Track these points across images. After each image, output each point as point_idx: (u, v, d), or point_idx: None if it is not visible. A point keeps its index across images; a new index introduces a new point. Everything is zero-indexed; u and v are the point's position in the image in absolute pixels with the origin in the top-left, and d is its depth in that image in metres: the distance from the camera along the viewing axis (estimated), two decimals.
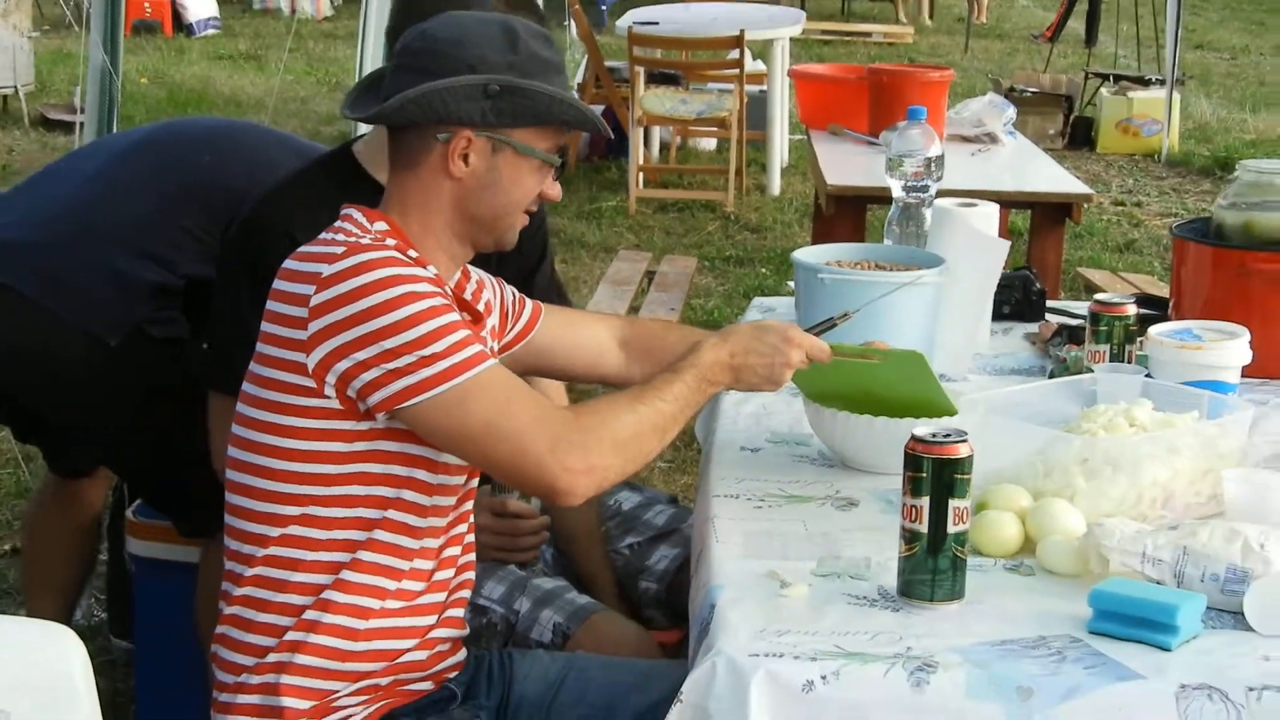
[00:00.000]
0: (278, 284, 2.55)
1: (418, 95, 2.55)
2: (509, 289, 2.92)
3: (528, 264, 3.35)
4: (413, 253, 2.55)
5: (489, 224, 2.64)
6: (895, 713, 2.18)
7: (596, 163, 11.11)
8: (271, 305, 2.54)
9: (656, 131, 11.27)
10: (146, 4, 17.29)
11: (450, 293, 2.56)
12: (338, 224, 2.59)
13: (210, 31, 17.54)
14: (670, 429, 2.59)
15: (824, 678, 2.20)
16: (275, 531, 2.55)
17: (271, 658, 2.55)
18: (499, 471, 2.55)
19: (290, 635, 2.55)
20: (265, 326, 2.55)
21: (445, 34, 2.60)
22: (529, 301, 2.95)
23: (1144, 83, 12.82)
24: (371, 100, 2.64)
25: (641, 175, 10.39)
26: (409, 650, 2.61)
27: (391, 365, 2.43)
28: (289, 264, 2.55)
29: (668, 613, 3.34)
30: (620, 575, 3.39)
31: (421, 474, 2.56)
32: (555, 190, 2.69)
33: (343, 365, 2.45)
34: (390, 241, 2.54)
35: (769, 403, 3.25)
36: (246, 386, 2.59)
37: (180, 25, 17.39)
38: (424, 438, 2.52)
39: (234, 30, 17.87)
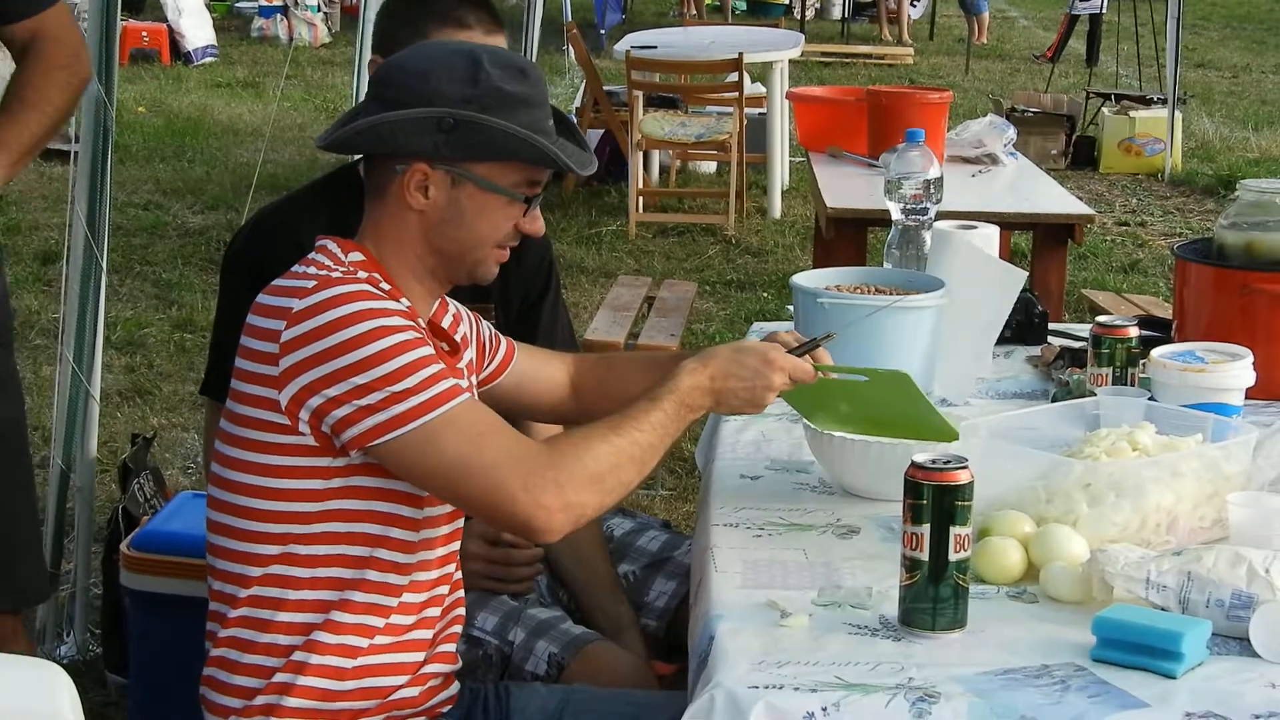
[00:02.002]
0: (251, 319, 2.52)
1: (367, 126, 2.53)
2: (485, 324, 2.90)
3: (532, 295, 3.33)
4: (385, 285, 2.52)
5: (456, 258, 2.60)
6: None
7: (596, 187, 11.09)
8: (245, 340, 2.52)
9: (656, 155, 11.27)
10: (144, 33, 17.32)
11: (425, 326, 2.54)
12: (311, 255, 2.57)
13: (208, 60, 17.55)
14: (649, 459, 2.55)
15: (825, 709, 2.17)
16: (257, 571, 2.52)
17: (260, 700, 2.53)
18: (473, 509, 2.52)
19: (278, 677, 2.52)
20: (239, 362, 2.53)
21: (410, 65, 2.57)
22: (504, 339, 2.92)
23: (1146, 102, 12.82)
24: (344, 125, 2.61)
25: (641, 199, 10.38)
26: (401, 687, 2.58)
27: (362, 401, 2.40)
28: (261, 298, 2.52)
29: (668, 650, 3.30)
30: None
31: (405, 510, 2.53)
32: (535, 225, 2.64)
33: (315, 401, 2.43)
34: (363, 274, 2.51)
35: (768, 430, 3.23)
36: (223, 424, 2.57)
37: (178, 54, 17.39)
38: (398, 475, 2.49)
39: (231, 58, 17.88)
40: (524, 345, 3.00)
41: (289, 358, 2.43)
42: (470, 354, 2.79)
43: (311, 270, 2.50)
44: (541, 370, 2.95)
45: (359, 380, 2.40)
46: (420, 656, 2.60)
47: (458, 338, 2.74)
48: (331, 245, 2.57)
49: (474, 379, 2.78)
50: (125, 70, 16.14)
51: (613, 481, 2.50)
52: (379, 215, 2.60)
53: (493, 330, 2.91)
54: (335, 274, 2.48)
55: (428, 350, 2.45)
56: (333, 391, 2.41)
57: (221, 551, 2.57)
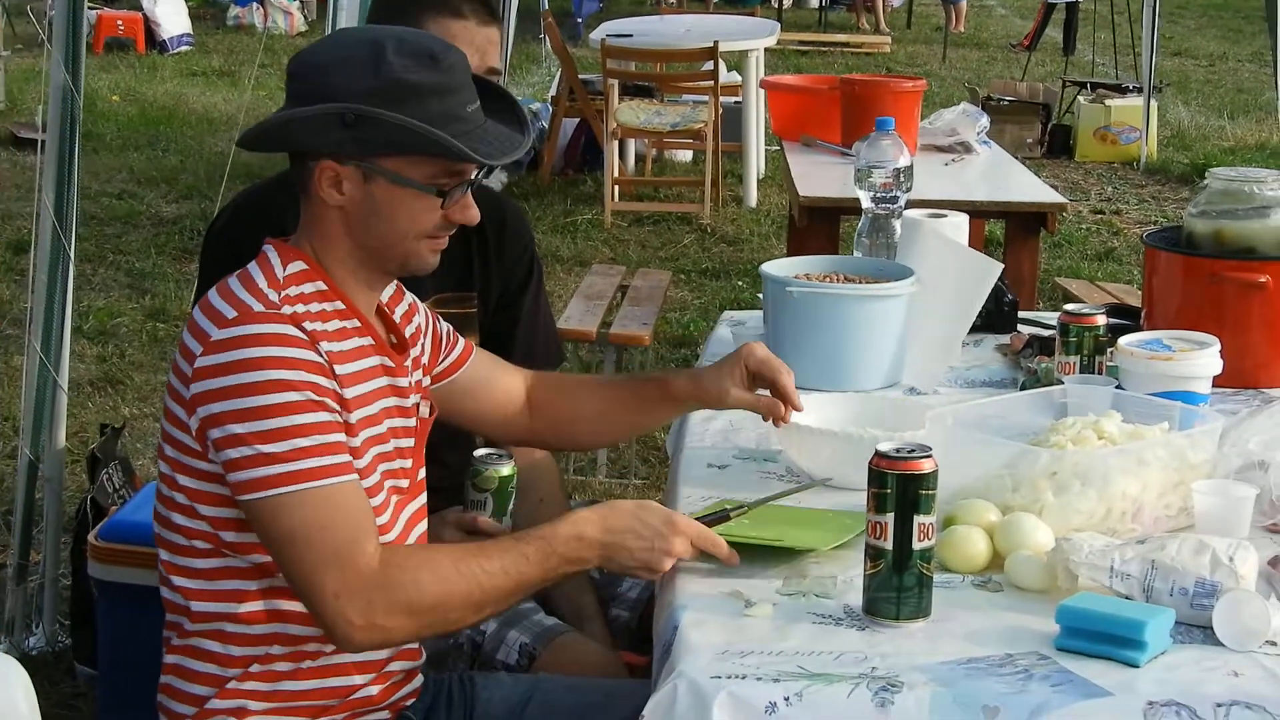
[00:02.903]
0: (183, 334, 2.48)
1: (270, 125, 2.49)
2: (443, 324, 2.87)
3: (512, 287, 3.31)
4: (311, 325, 2.44)
5: (384, 252, 2.54)
6: None
7: (571, 176, 11.07)
8: (175, 357, 2.48)
9: (632, 144, 11.24)
10: (119, 21, 17.23)
11: (335, 388, 2.44)
12: (249, 268, 2.51)
13: (183, 48, 17.47)
14: (489, 603, 2.46)
15: (787, 699, 2.17)
16: (203, 585, 2.51)
17: (215, 704, 2.51)
18: (292, 589, 2.44)
19: (231, 684, 2.51)
20: (169, 378, 2.50)
21: (315, 58, 2.52)
22: (462, 341, 2.89)
23: (1122, 90, 12.83)
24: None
25: (616, 188, 10.35)
26: (363, 686, 2.57)
27: (234, 453, 2.37)
28: (194, 314, 2.48)
29: (639, 641, 3.29)
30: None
31: None
32: (465, 214, 2.56)
33: (213, 434, 2.40)
34: (287, 310, 2.44)
35: (736, 419, 3.21)
36: (161, 443, 2.53)
37: (153, 42, 17.31)
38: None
39: (207, 47, 17.80)
40: (485, 353, 2.96)
41: (198, 384, 2.40)
42: (420, 349, 2.75)
43: (240, 294, 2.45)
44: (498, 380, 2.92)
45: (237, 429, 2.36)
46: (385, 655, 2.58)
47: (408, 331, 2.70)
48: (273, 255, 2.52)
49: (421, 377, 2.72)
50: (100, 59, 16.09)
51: (433, 618, 2.42)
52: (307, 211, 2.56)
53: (451, 330, 2.88)
54: (256, 308, 2.42)
55: (319, 417, 2.39)
56: (218, 433, 2.38)
57: (167, 565, 2.55)
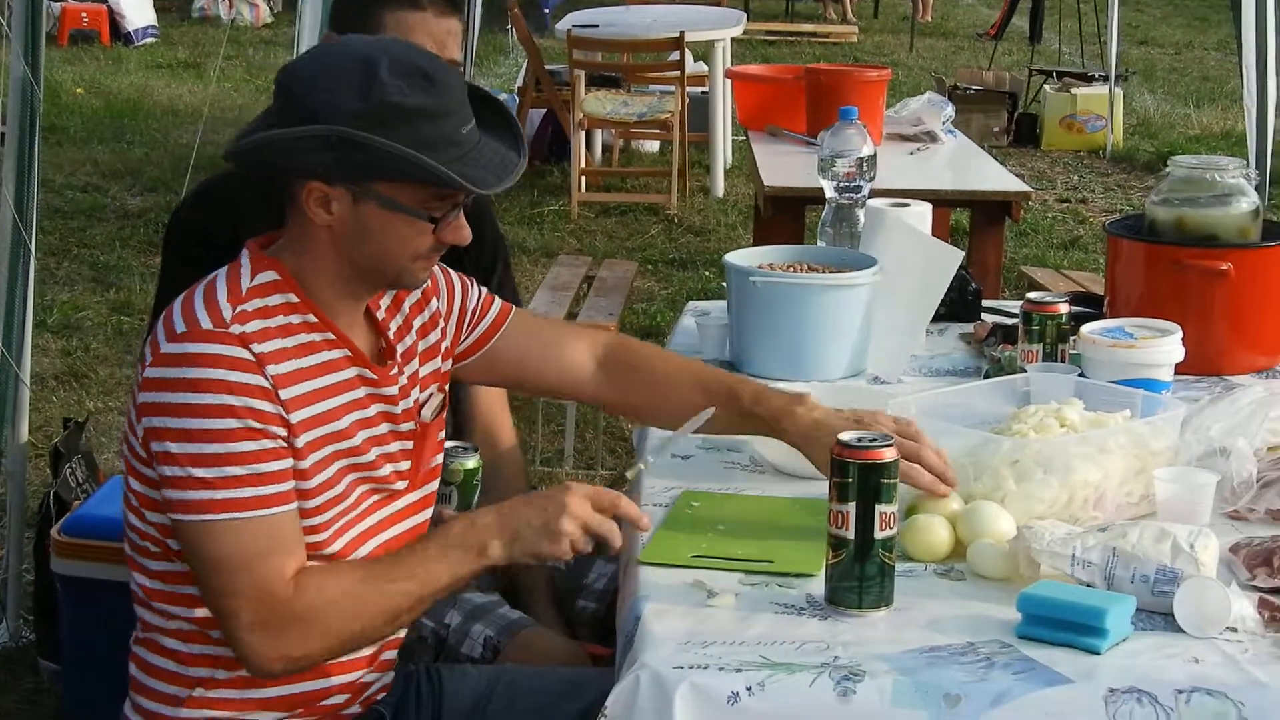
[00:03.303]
0: (148, 333, 2.46)
1: (256, 145, 2.40)
2: (475, 291, 2.80)
3: (480, 274, 3.28)
4: (261, 346, 2.39)
5: (374, 272, 2.49)
6: None
7: (538, 167, 11.06)
8: (140, 354, 2.46)
9: (599, 134, 11.23)
10: (84, 14, 17.15)
11: (279, 412, 2.38)
12: (218, 277, 2.46)
13: (148, 40, 17.41)
14: (403, 612, 2.44)
15: (749, 689, 2.17)
16: (157, 585, 2.50)
17: (194, 692, 2.51)
18: (211, 612, 2.42)
19: (197, 691, 2.50)
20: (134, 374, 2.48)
21: (303, 72, 2.43)
22: (497, 301, 2.83)
23: (1087, 79, 12.85)
24: (247, 134, 2.47)
25: (583, 179, 10.35)
26: (336, 689, 2.56)
27: (168, 471, 2.35)
28: (157, 317, 2.46)
29: (605, 632, 3.29)
30: (558, 593, 3.34)
31: (311, 537, 2.45)
32: (456, 235, 2.49)
33: (154, 446, 2.37)
34: (236, 329, 2.37)
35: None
36: (123, 437, 2.50)
37: (118, 35, 17.25)
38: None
39: (172, 39, 17.73)
40: (541, 318, 2.91)
41: (144, 395, 2.38)
42: (442, 333, 2.70)
43: (197, 307, 2.40)
44: (552, 341, 2.85)
45: (173, 448, 2.34)
46: (367, 652, 2.58)
47: (418, 323, 2.66)
48: (245, 262, 2.47)
49: (429, 369, 2.68)
50: (64, 51, 16.02)
51: (348, 640, 2.41)
52: (292, 224, 2.49)
53: (482, 295, 2.81)
54: (205, 325, 2.37)
55: (255, 445, 2.35)
56: (159, 446, 2.36)
57: (130, 560, 2.54)
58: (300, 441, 2.41)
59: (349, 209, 2.42)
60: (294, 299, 2.46)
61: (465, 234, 2.51)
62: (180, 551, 2.43)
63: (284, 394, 2.39)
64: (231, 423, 2.34)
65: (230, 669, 2.48)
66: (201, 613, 2.46)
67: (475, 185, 2.41)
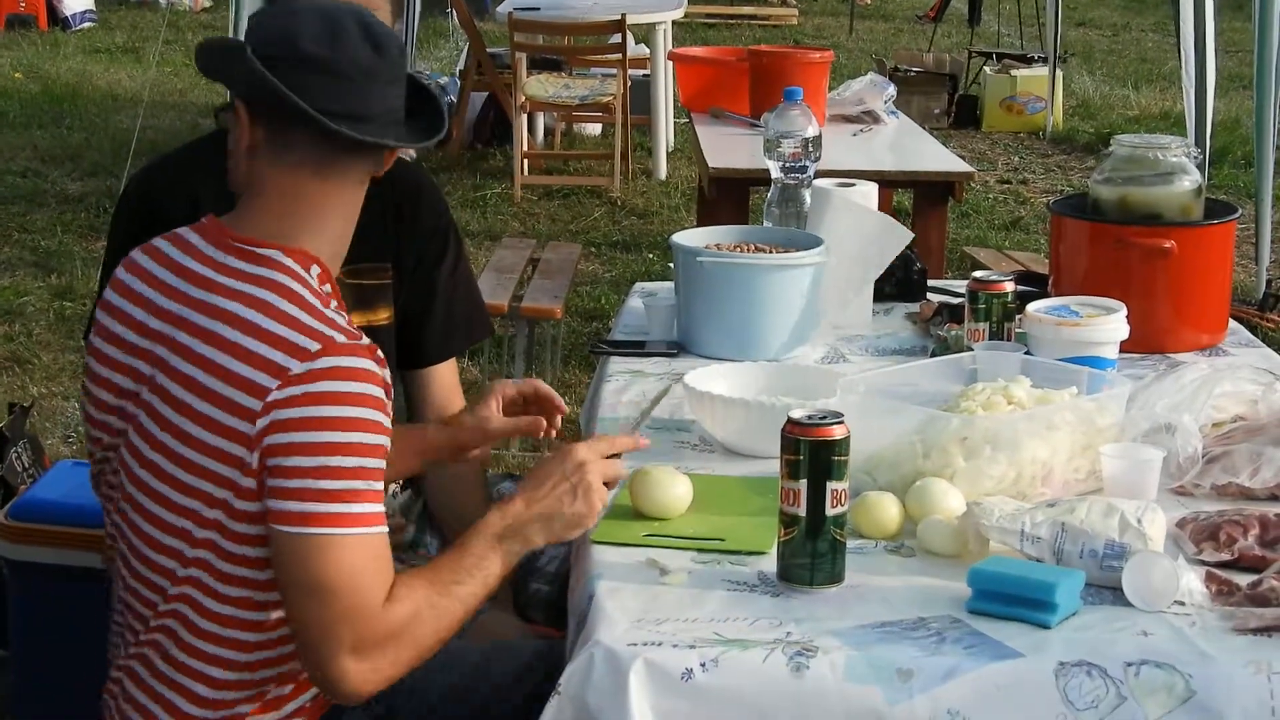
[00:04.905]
0: (217, 357, 2.35)
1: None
2: None
3: (428, 259, 3.26)
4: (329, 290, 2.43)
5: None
6: (775, 698, 2.16)
7: (480, 150, 11.04)
8: (209, 382, 2.34)
9: (540, 118, 11.21)
10: None
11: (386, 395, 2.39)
12: (282, 284, 2.38)
13: (86, 25, 17.27)
14: (469, 616, 2.45)
15: (703, 665, 2.18)
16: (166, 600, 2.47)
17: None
18: (298, 637, 2.37)
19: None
20: (197, 403, 2.36)
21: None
22: None
23: (1027, 60, 12.92)
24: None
25: (526, 162, 10.33)
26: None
27: (288, 484, 2.29)
28: (243, 339, 2.34)
29: (558, 614, 3.29)
30: (510, 576, 3.34)
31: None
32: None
33: (274, 461, 2.30)
34: (341, 339, 2.34)
35: (649, 390, 3.22)
36: (160, 459, 2.41)
37: (55, 19, 17.10)
38: (272, 563, 2.36)
39: (110, 24, 17.61)
40: None
41: (277, 414, 2.29)
42: None
43: (306, 319, 2.35)
44: None
45: (303, 461, 2.28)
46: None
47: None
48: (292, 265, 2.41)
49: None
50: (2, 36, 15.88)
51: (431, 642, 2.39)
52: (292, 199, 2.45)
53: None
54: (337, 337, 2.34)
55: (380, 462, 2.33)
56: (284, 460, 2.29)
57: (137, 577, 2.50)
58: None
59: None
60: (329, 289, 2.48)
61: None
62: (263, 581, 2.39)
63: None
64: (372, 438, 2.32)
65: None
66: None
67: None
